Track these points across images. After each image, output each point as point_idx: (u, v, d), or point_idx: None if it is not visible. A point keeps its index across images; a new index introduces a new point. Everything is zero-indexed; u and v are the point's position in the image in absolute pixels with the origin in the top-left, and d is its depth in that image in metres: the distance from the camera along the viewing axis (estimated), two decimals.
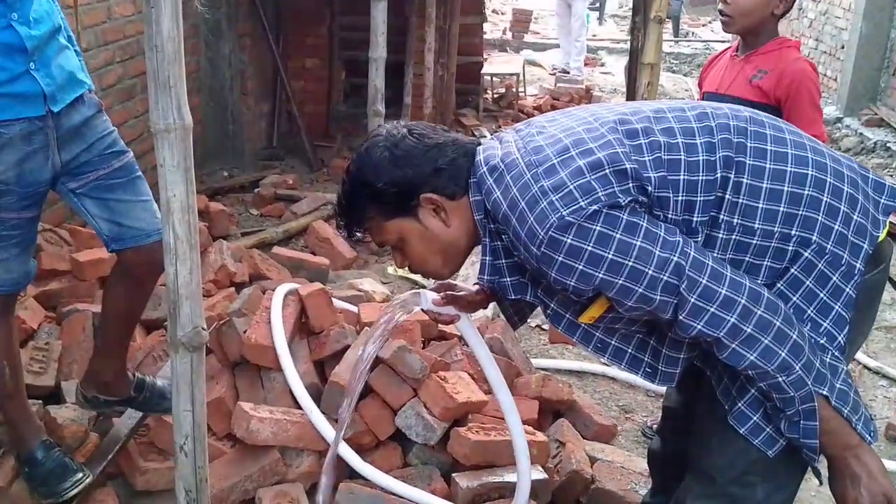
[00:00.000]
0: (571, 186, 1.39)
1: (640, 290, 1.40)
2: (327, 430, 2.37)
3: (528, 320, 3.73)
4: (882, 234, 1.53)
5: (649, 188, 1.42)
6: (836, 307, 1.47)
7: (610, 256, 1.38)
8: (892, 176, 6.48)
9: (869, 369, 3.51)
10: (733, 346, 1.40)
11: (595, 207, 1.37)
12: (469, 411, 2.48)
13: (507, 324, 3.10)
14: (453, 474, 2.35)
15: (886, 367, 3.50)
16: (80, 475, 2.18)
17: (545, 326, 3.71)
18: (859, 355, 3.56)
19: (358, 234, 1.63)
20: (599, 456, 2.64)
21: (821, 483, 1.59)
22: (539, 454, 2.42)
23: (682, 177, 1.44)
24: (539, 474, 2.36)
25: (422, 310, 1.77)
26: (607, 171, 1.40)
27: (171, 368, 1.66)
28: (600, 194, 1.38)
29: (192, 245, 1.56)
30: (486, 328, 3.01)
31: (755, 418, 1.51)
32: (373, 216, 1.58)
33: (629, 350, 1.64)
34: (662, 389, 3.06)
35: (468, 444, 2.35)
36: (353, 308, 2.95)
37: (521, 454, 1.93)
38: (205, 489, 1.75)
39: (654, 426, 2.78)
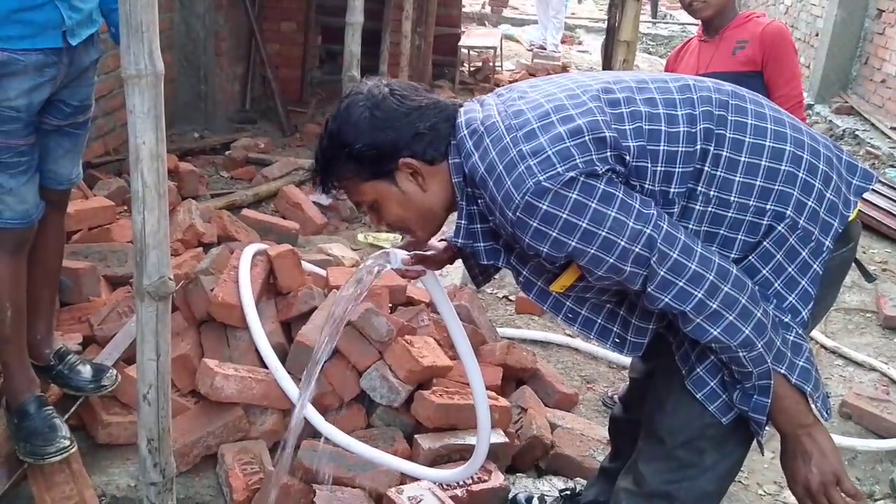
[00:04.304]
0: (550, 152, 1.38)
1: (612, 260, 1.41)
2: (292, 389, 2.38)
3: (496, 291, 3.80)
4: (852, 215, 1.55)
5: (627, 157, 1.42)
6: (803, 282, 1.49)
7: (584, 225, 1.38)
8: None
9: (826, 349, 3.60)
10: (698, 320, 1.42)
11: (572, 174, 1.37)
12: (434, 375, 2.50)
13: (473, 292, 3.14)
14: (416, 436, 2.38)
15: (843, 348, 3.58)
16: (67, 443, 2.14)
17: (512, 297, 3.74)
18: (818, 335, 3.65)
19: (333, 191, 1.61)
20: (560, 423, 2.68)
21: (763, 454, 1.63)
22: (501, 419, 2.46)
23: (662, 147, 1.44)
24: (500, 438, 2.40)
25: (391, 269, 1.78)
26: (587, 138, 1.40)
27: (137, 318, 1.65)
28: (578, 161, 1.38)
29: (161, 193, 1.55)
30: (453, 296, 3.03)
31: (712, 384, 1.54)
32: (350, 176, 1.56)
33: (599, 320, 1.66)
34: (625, 361, 3.11)
35: (431, 406, 2.38)
36: (322, 272, 2.95)
37: (480, 402, 1.92)
38: (167, 439, 1.75)
39: (615, 396, 2.84)
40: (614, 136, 1.41)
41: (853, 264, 1.72)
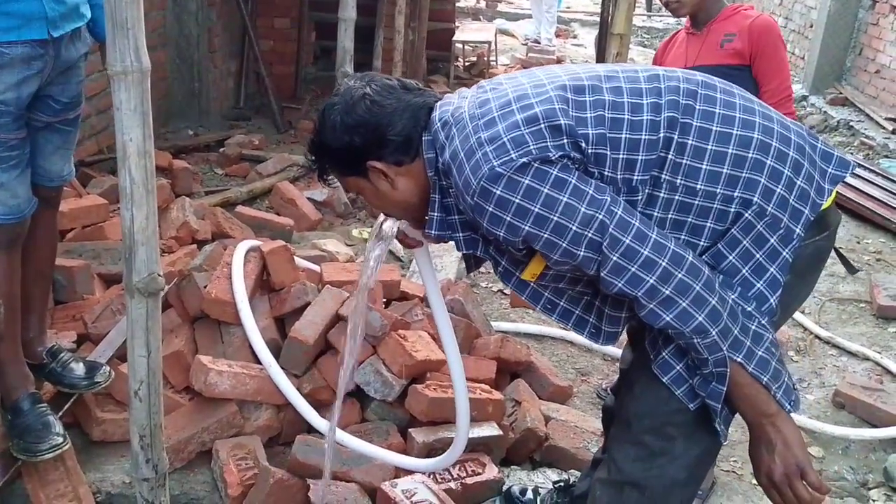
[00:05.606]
0: (505, 139, 1.43)
1: (565, 244, 1.44)
2: (286, 385, 2.39)
3: (490, 285, 3.80)
4: (827, 203, 1.55)
5: (584, 145, 1.45)
6: (772, 269, 1.50)
7: (536, 210, 1.42)
8: (852, 154, 6.60)
9: (820, 338, 3.60)
10: (651, 306, 1.45)
11: (525, 160, 1.40)
12: (427, 370, 2.51)
13: (468, 286, 3.15)
14: (410, 430, 2.38)
15: (837, 337, 3.59)
16: (60, 440, 2.15)
17: (506, 291, 3.74)
18: (811, 325, 3.66)
19: (328, 179, 1.70)
20: (554, 415, 2.69)
21: (724, 440, 1.61)
22: (495, 412, 2.47)
23: (623, 135, 1.47)
24: (494, 431, 2.41)
25: (398, 227, 1.79)
26: (542, 125, 1.44)
27: (127, 314, 1.66)
28: (531, 147, 1.41)
29: (149, 190, 1.55)
30: (447, 290, 3.03)
31: (678, 368, 1.55)
32: (333, 169, 1.66)
33: (576, 311, 1.69)
34: (619, 354, 3.12)
35: (425, 400, 2.38)
36: (316, 267, 2.95)
37: (458, 383, 1.92)
38: (158, 435, 1.76)
39: (609, 388, 2.84)
40: (570, 124, 1.44)
41: (835, 256, 1.72)
